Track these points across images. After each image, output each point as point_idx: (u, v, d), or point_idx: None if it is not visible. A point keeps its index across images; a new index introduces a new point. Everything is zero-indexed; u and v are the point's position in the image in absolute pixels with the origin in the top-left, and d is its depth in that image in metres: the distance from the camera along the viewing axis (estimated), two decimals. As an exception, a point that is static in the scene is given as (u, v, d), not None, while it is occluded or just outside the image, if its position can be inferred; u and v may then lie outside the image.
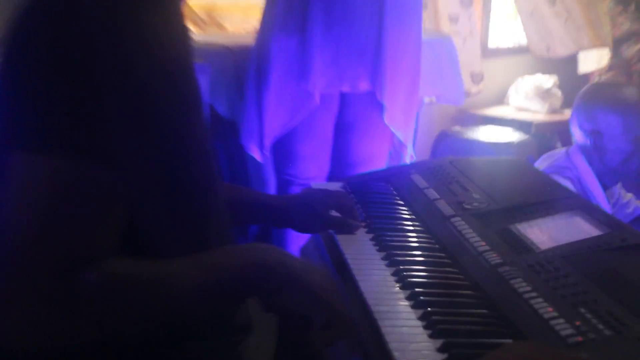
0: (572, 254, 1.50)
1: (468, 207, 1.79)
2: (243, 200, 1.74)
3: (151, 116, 1.18)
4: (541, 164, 2.86)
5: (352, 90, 2.88)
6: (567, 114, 5.14)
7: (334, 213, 1.75)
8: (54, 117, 1.12)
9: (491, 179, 1.98)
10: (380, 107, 2.91)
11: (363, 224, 1.75)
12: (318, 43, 2.79)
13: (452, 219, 1.74)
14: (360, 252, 1.62)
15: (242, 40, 3.31)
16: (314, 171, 2.94)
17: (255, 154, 2.95)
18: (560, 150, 2.89)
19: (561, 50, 5.17)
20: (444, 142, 4.58)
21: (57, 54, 1.12)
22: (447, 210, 1.79)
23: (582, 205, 1.81)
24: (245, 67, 3.02)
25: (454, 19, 4.79)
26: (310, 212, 1.73)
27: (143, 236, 1.22)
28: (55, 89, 1.12)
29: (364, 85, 2.86)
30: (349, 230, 1.68)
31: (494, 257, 1.51)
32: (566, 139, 3.09)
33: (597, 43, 5.26)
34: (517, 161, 2.29)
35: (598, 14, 5.27)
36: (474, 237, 1.63)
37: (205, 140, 1.32)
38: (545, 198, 1.86)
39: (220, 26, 3.81)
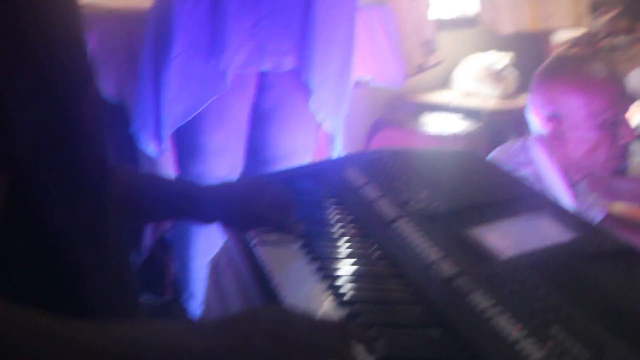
0: (539, 263, 1.51)
1: (414, 207, 1.78)
2: (163, 190, 1.74)
3: (33, 87, 1.18)
4: (494, 159, 2.84)
5: (274, 68, 2.85)
6: (523, 99, 5.22)
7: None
8: None
9: (440, 174, 1.98)
10: (305, 90, 2.89)
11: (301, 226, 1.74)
12: (232, 10, 2.74)
13: (396, 222, 1.73)
14: (287, 264, 1.61)
15: (134, 3, 3.27)
16: (224, 169, 2.89)
17: (151, 147, 2.89)
18: (516, 143, 2.90)
19: (504, 26, 5.26)
20: (378, 133, 4.57)
21: None
22: (389, 211, 1.79)
23: (548, 205, 1.83)
24: (139, 37, 2.96)
25: None
26: (242, 205, 1.73)
27: (29, 215, 1.21)
28: None
29: (288, 62, 2.83)
30: (291, 230, 1.69)
31: (447, 268, 1.51)
32: (522, 130, 3.11)
33: (537, 23, 5.33)
34: (470, 153, 2.29)
35: None
36: (422, 243, 1.62)
37: (98, 121, 1.31)
38: (505, 197, 1.87)
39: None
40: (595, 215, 2.91)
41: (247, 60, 2.80)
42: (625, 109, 2.74)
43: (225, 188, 1.86)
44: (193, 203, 1.75)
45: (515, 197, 1.88)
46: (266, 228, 1.72)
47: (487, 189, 1.93)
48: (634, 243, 1.76)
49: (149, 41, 2.87)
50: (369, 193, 1.90)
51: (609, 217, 2.97)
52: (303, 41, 2.81)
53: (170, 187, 1.83)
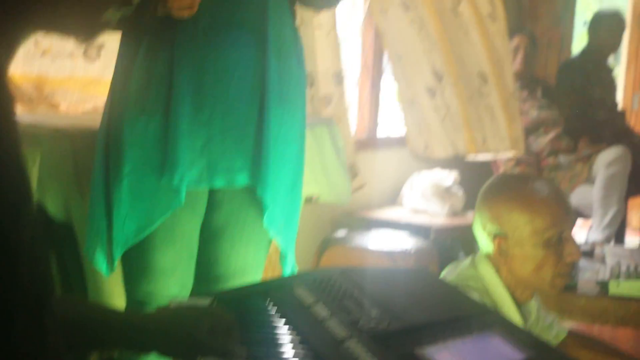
0: None
1: (365, 327, 1.76)
2: (92, 318, 1.70)
3: None
4: (446, 276, 2.82)
5: (227, 185, 2.81)
6: (470, 216, 5.25)
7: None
8: None
9: (391, 292, 1.97)
10: (257, 207, 2.84)
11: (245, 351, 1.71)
12: (185, 128, 2.71)
13: (346, 343, 1.70)
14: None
15: (82, 121, 3.26)
16: (174, 288, 2.82)
17: (101, 267, 2.81)
18: (465, 260, 2.86)
19: (439, 150, 5.31)
20: (328, 250, 4.54)
21: None
22: (339, 331, 1.76)
23: (500, 323, 1.82)
24: (87, 156, 2.94)
25: (327, 101, 4.82)
26: (181, 334, 1.69)
27: None
28: None
29: (241, 179, 2.79)
30: (233, 357, 1.66)
31: None
32: (470, 248, 3.10)
33: (473, 148, 5.40)
34: (420, 271, 2.29)
35: (480, 114, 5.43)
36: None
37: (36, 245, 1.28)
38: (456, 315, 1.87)
39: (52, 104, 3.69)
40: (558, 333, 2.91)
41: (200, 177, 2.76)
42: (570, 227, 2.73)
43: (163, 315, 1.83)
44: (132, 332, 1.71)
45: (466, 315, 1.87)
46: (208, 356, 1.68)
47: (438, 307, 1.92)
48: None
49: (98, 159, 2.83)
50: (318, 312, 1.87)
51: (571, 335, 2.96)
52: (256, 158, 2.78)
53: (110, 316, 1.80)
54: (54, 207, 3.08)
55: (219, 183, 2.79)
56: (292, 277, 2.46)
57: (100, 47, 3.66)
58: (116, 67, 2.85)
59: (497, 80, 5.51)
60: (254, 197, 2.82)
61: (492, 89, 5.48)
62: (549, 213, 2.67)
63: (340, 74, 4.85)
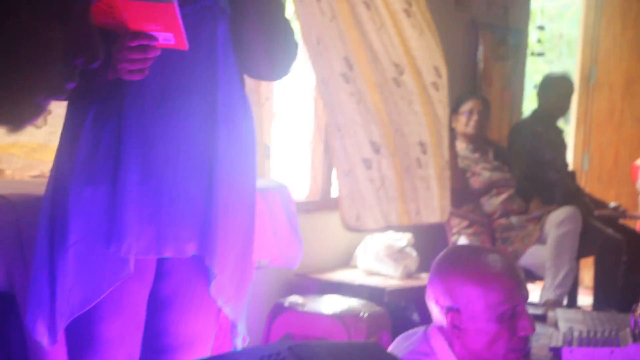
0: None
1: None
2: None
3: None
4: (398, 347, 2.78)
5: (176, 254, 2.75)
6: (424, 278, 5.22)
7: None
8: None
9: None
10: (206, 276, 2.79)
11: None
12: (133, 197, 2.67)
13: None
14: None
15: (26, 188, 3.24)
16: (121, 359, 2.76)
17: (43, 339, 2.72)
18: (418, 331, 2.82)
19: (370, 222, 5.27)
20: (280, 316, 4.48)
21: None
22: None
23: None
24: (31, 223, 2.87)
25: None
26: None
27: None
28: None
29: (190, 249, 2.73)
30: None
31: None
32: (424, 310, 3.06)
33: (406, 220, 5.37)
34: (369, 345, 2.22)
35: (416, 185, 5.41)
36: None
37: None
38: None
39: (-4, 170, 3.65)
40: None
41: (148, 247, 2.71)
42: (524, 301, 2.69)
43: None
44: None
45: None
46: None
47: None
48: None
49: (42, 228, 2.77)
50: None
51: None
52: (205, 227, 2.73)
53: None
54: None
55: (167, 252, 2.73)
56: (239, 354, 2.38)
57: (47, 113, 3.62)
58: (62, 133, 2.82)
59: (435, 150, 5.53)
60: (203, 266, 2.77)
61: (430, 159, 5.50)
62: (502, 287, 2.64)
63: (268, 148, 4.90)
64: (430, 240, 5.71)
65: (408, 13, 5.51)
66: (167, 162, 2.70)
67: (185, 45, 2.54)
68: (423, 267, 5.38)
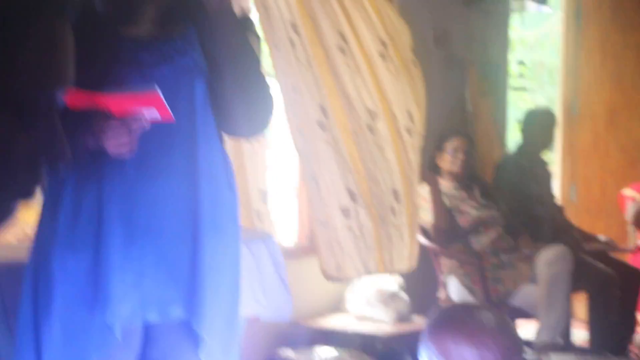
0: None
1: None
2: None
3: None
4: None
5: (161, 319, 2.73)
6: (416, 321, 5.18)
7: None
8: None
9: None
10: (194, 339, 2.75)
11: None
12: (116, 261, 2.66)
13: None
14: None
15: (9, 254, 3.26)
16: None
17: None
18: None
19: (351, 271, 5.28)
20: None
21: None
22: None
23: None
24: (13, 292, 2.86)
25: (257, 214, 4.86)
26: None
27: None
28: None
29: (176, 313, 2.72)
30: None
31: None
32: (417, 355, 3.03)
33: (382, 268, 5.35)
34: None
35: (390, 233, 5.40)
36: None
37: None
38: None
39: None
40: None
41: (133, 312, 2.70)
42: (520, 358, 2.66)
43: None
44: None
45: None
46: None
47: None
48: None
49: (26, 296, 2.74)
50: None
51: None
52: (190, 290, 2.73)
53: None
54: None
55: (153, 317, 2.71)
56: None
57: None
58: (44, 201, 2.79)
59: (408, 197, 5.53)
60: (190, 330, 2.75)
61: (402, 207, 5.50)
62: (496, 346, 2.57)
63: (265, 193, 4.91)
64: (420, 282, 5.68)
65: (384, 56, 5.52)
66: (150, 224, 2.69)
67: (170, 116, 2.58)
68: (415, 309, 5.35)
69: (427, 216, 5.69)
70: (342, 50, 5.23)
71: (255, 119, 2.88)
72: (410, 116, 5.56)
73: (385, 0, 5.74)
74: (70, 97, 2.47)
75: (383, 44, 5.46)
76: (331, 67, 5.15)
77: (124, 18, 2.77)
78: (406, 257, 5.47)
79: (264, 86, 2.86)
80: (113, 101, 2.56)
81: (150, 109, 2.58)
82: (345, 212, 5.09)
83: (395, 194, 5.40)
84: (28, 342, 2.71)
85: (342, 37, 5.24)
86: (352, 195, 5.13)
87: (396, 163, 5.43)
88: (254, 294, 3.72)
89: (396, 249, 5.38)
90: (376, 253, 5.24)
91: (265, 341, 4.82)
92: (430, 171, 5.82)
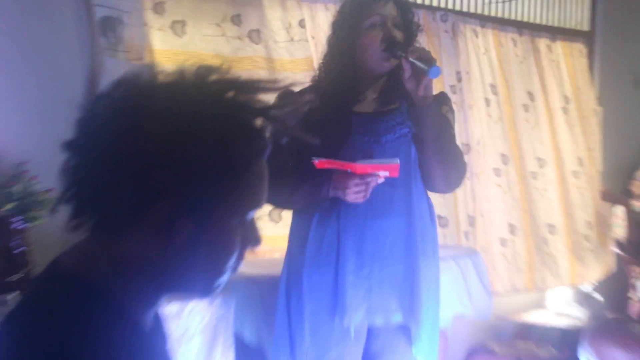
0: None
1: None
2: None
3: None
4: None
5: (384, 323, 2.82)
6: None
7: None
8: None
9: None
10: (408, 339, 2.84)
11: None
12: (350, 281, 2.76)
13: None
14: None
15: (266, 269, 3.35)
16: None
17: None
18: None
19: (498, 287, 5.16)
20: (475, 358, 4.47)
21: None
22: None
23: None
24: (271, 298, 3.01)
25: (465, 235, 4.86)
26: None
27: None
28: None
29: (397, 319, 2.81)
30: None
31: None
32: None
33: (531, 287, 5.28)
34: None
35: (543, 259, 5.32)
36: None
37: None
38: None
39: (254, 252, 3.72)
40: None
41: (363, 318, 2.79)
42: None
43: None
44: None
45: None
46: None
47: None
48: None
49: (281, 303, 2.90)
50: None
51: None
52: (410, 302, 2.80)
53: None
54: (248, 335, 3.24)
55: (379, 322, 2.82)
56: None
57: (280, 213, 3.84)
58: (291, 234, 2.94)
59: (568, 229, 5.51)
60: (403, 331, 2.84)
61: (558, 237, 5.45)
62: None
63: (473, 217, 4.88)
64: (613, 284, 5.59)
65: (565, 110, 5.45)
66: (375, 254, 2.77)
67: (397, 173, 2.65)
68: (609, 307, 5.25)
69: (621, 231, 5.57)
70: (526, 108, 5.22)
71: (450, 181, 2.87)
72: (580, 161, 5.47)
73: (582, 56, 5.68)
74: (319, 164, 2.63)
75: (566, 99, 5.40)
76: (516, 123, 5.15)
77: (354, 99, 2.84)
78: (562, 275, 5.39)
79: (459, 155, 2.85)
80: (359, 166, 2.62)
81: (384, 172, 2.66)
82: (502, 242, 5.03)
83: (550, 227, 5.33)
84: (284, 339, 2.87)
85: (530, 95, 5.22)
86: (512, 229, 5.07)
87: (557, 202, 5.36)
88: (459, 298, 3.79)
89: (549, 270, 5.30)
90: (525, 275, 5.17)
91: (472, 334, 4.76)
92: (624, 195, 5.68)
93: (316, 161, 2.60)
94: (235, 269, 1.38)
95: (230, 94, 1.28)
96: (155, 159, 1.22)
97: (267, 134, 1.32)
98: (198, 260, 1.30)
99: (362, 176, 2.65)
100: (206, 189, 1.25)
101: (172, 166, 1.23)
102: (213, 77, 1.29)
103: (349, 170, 2.65)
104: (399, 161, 2.63)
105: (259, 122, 1.30)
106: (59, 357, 1.16)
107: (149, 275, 1.30)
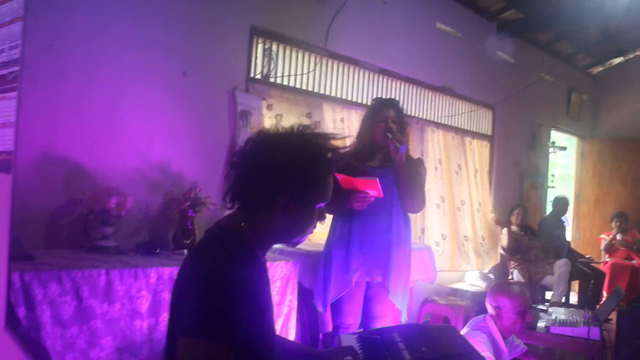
0: None
1: (418, 355, 1.70)
2: (298, 351, 1.57)
3: (259, 316, 1.20)
4: (471, 323, 2.68)
5: (371, 280, 2.67)
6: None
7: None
8: (210, 316, 1.09)
9: (434, 339, 1.86)
10: (387, 290, 2.68)
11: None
12: (354, 254, 2.63)
13: None
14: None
15: (315, 248, 3.15)
16: (351, 320, 2.69)
17: (320, 308, 2.74)
18: (481, 316, 2.70)
19: (464, 266, 4.98)
20: (425, 305, 4.27)
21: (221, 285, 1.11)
22: (407, 356, 1.71)
23: (479, 357, 1.76)
24: (317, 263, 2.84)
25: (422, 234, 4.60)
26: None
27: None
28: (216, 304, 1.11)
29: (378, 279, 2.66)
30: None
31: None
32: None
33: (452, 268, 4.83)
34: (449, 328, 2.15)
35: (462, 255, 5.02)
36: None
37: (272, 320, 1.31)
38: (460, 352, 1.79)
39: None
40: (520, 349, 2.74)
41: (360, 276, 2.65)
42: (529, 305, 2.63)
43: (326, 351, 1.63)
44: (310, 357, 1.60)
45: (464, 352, 1.79)
46: None
47: (452, 347, 1.83)
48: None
49: (321, 267, 2.71)
50: (400, 346, 1.77)
51: (528, 351, 2.82)
52: (385, 269, 2.64)
53: (300, 349, 1.60)
54: (306, 283, 2.98)
55: (369, 279, 2.65)
56: (395, 327, 2.14)
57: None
58: (330, 227, 2.78)
59: (473, 239, 5.15)
60: (385, 286, 2.66)
61: (469, 243, 5.12)
62: (519, 299, 2.59)
63: (422, 229, 4.60)
64: (500, 270, 5.46)
65: (475, 176, 5.29)
66: (371, 239, 2.63)
67: (381, 194, 2.53)
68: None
69: (504, 242, 5.42)
70: (457, 173, 5.04)
71: (415, 207, 2.72)
72: (480, 203, 5.33)
73: (486, 148, 5.57)
74: (342, 180, 2.47)
75: (475, 170, 5.29)
76: (450, 180, 4.96)
77: (367, 158, 2.70)
78: (480, 263, 5.14)
79: (421, 193, 2.70)
80: (360, 183, 2.49)
81: (373, 191, 2.50)
82: (437, 244, 4.79)
83: (465, 238, 5.11)
84: (320, 284, 2.71)
85: (459, 166, 5.06)
86: (444, 236, 4.87)
87: (469, 224, 5.18)
88: (420, 271, 3.58)
89: (464, 260, 5.02)
90: (449, 262, 4.92)
91: (425, 292, 4.43)
92: (507, 222, 5.57)
93: (339, 176, 2.47)
94: (311, 232, 1.34)
95: (316, 139, 1.29)
96: (277, 174, 1.23)
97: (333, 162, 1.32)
98: (295, 227, 1.29)
99: (364, 193, 2.51)
100: (304, 190, 1.25)
101: (286, 177, 1.23)
102: (307, 130, 1.30)
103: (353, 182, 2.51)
104: (377, 179, 2.48)
105: (330, 154, 1.30)
106: (220, 269, 1.15)
107: (267, 233, 1.28)
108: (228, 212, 1.32)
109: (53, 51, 2.43)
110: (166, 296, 2.24)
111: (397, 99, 2.85)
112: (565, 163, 8.24)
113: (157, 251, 2.59)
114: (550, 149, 6.60)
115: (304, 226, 1.30)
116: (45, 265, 2.02)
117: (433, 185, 4.69)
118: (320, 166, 1.25)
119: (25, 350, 1.62)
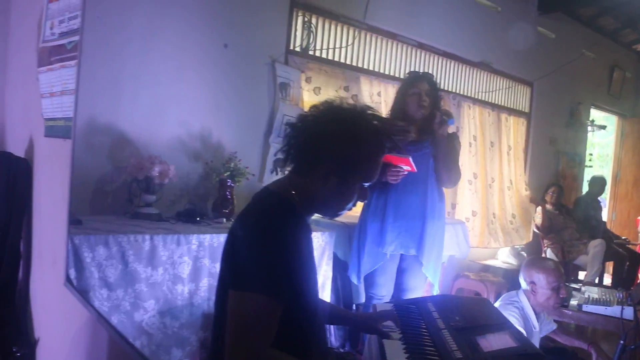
0: (499, 355, 1.49)
1: (452, 324, 1.72)
2: (339, 313, 1.63)
3: (306, 276, 1.24)
4: (504, 298, 2.64)
5: (405, 253, 2.68)
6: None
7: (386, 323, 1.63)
8: (261, 272, 1.13)
9: (467, 310, 1.90)
10: (420, 263, 2.68)
11: (399, 333, 1.64)
12: (389, 227, 2.64)
13: (443, 331, 1.69)
14: (393, 345, 1.58)
15: (350, 220, 3.11)
16: (384, 291, 2.72)
17: (354, 280, 2.76)
18: (514, 291, 2.67)
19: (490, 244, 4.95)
20: (458, 280, 4.31)
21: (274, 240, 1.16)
22: (440, 324, 1.73)
23: (510, 328, 1.75)
24: (352, 235, 2.85)
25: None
26: (371, 324, 1.62)
27: (285, 333, 1.18)
28: (267, 258, 1.14)
29: (412, 252, 2.67)
30: (388, 336, 1.61)
31: (460, 355, 1.50)
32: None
33: (504, 244, 4.88)
34: (482, 299, 2.19)
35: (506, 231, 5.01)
36: (452, 343, 1.59)
37: (317, 281, 1.36)
38: (493, 322, 1.80)
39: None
40: (551, 327, 2.73)
41: (395, 249, 2.67)
42: (564, 281, 2.59)
43: (365, 316, 1.70)
44: (350, 320, 1.70)
45: (497, 323, 1.80)
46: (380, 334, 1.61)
47: (487, 318, 1.85)
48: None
49: (355, 238, 2.72)
50: (435, 315, 1.83)
51: (558, 328, 2.81)
52: (420, 242, 2.65)
53: (341, 312, 1.68)
54: (340, 254, 2.96)
55: (403, 251, 2.68)
56: (430, 298, 2.21)
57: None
58: (367, 202, 2.72)
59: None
60: (418, 259, 2.68)
61: (497, 220, 5.09)
62: (554, 275, 2.55)
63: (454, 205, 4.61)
64: (533, 248, 5.42)
65: (508, 153, 5.18)
66: (405, 213, 2.64)
67: (414, 169, 2.52)
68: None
69: (538, 220, 5.38)
70: (490, 150, 4.93)
71: (450, 181, 2.71)
72: (511, 182, 5.24)
73: (523, 125, 5.48)
74: (386, 157, 2.61)
75: (509, 147, 5.21)
76: (484, 156, 4.88)
77: (406, 135, 2.65)
78: (507, 240, 5.14)
79: (456, 168, 2.70)
80: (395, 159, 2.48)
81: (407, 166, 2.51)
82: (467, 219, 4.69)
83: (494, 215, 5.04)
84: (355, 256, 2.71)
85: (491, 143, 4.93)
86: (474, 213, 4.79)
87: (497, 201, 5.12)
88: (453, 246, 3.61)
89: (494, 237, 4.99)
90: (479, 239, 4.88)
91: (458, 267, 4.42)
92: (542, 201, 5.49)
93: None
94: (350, 209, 1.35)
95: (375, 120, 1.29)
96: (325, 143, 1.24)
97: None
98: (335, 200, 1.29)
99: (398, 167, 2.51)
100: (346, 165, 1.25)
101: (332, 148, 1.24)
102: (370, 111, 1.30)
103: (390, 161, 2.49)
104: (409, 156, 2.46)
105: (382, 135, 1.29)
106: (273, 228, 1.17)
107: (311, 199, 1.29)
108: (265, 184, 1.39)
109: (100, 22, 2.46)
110: (206, 263, 2.28)
111: (432, 73, 2.90)
112: (604, 142, 8.01)
113: (197, 219, 2.62)
114: (589, 128, 6.42)
115: (342, 201, 1.30)
116: (92, 229, 2.09)
117: (466, 162, 4.62)
118: (369, 146, 1.25)
119: (83, 305, 1.67)
